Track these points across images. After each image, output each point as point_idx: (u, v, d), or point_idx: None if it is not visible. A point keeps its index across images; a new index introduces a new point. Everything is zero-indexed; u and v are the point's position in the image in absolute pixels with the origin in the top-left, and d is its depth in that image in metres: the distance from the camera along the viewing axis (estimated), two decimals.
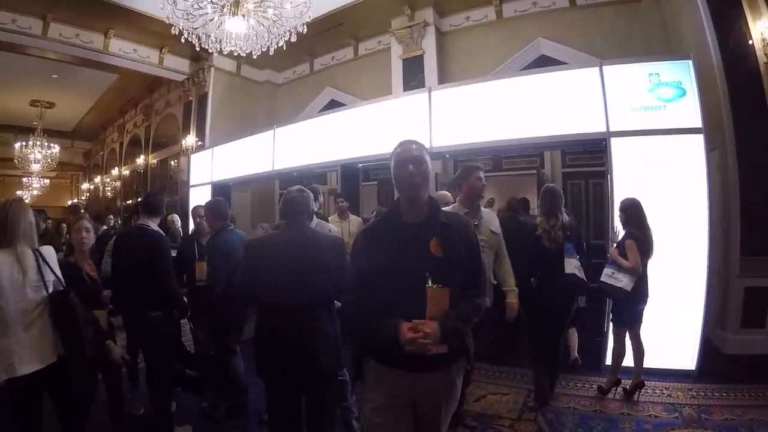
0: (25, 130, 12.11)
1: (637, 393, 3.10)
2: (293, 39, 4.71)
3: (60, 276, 2.03)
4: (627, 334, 3.17)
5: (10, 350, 1.81)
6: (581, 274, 2.95)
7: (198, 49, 5.03)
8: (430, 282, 1.37)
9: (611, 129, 3.70)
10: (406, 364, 1.39)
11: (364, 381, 1.54)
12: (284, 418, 1.97)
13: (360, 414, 2.40)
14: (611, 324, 3.33)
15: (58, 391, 2.02)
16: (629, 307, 3.09)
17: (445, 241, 1.43)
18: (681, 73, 3.59)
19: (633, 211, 3.15)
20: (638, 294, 3.04)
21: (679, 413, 2.91)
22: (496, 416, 2.97)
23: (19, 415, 1.93)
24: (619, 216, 3.27)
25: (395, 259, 1.40)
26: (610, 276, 3.08)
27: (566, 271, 2.89)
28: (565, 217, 3.06)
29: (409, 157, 1.48)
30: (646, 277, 3.10)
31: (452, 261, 1.42)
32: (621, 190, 3.63)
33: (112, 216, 7.40)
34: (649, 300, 3.15)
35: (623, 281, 2.99)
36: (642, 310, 3.14)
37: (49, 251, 2.03)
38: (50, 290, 1.96)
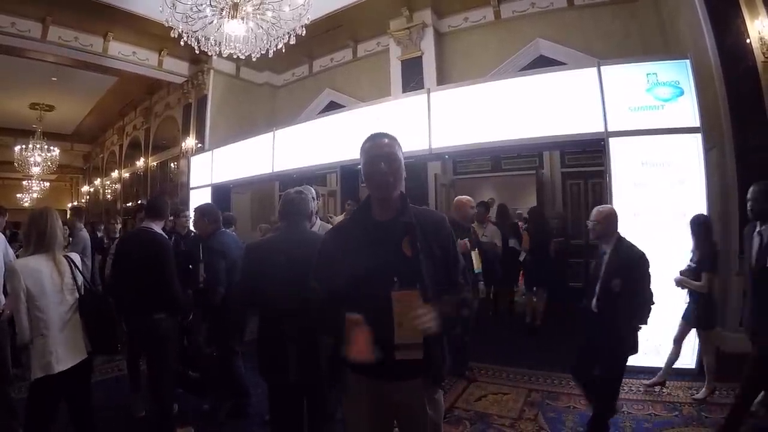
0: (24, 133, 12.12)
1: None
2: (292, 41, 4.72)
3: (87, 280, 2.20)
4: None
5: (47, 349, 1.93)
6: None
7: (197, 51, 5.04)
8: (397, 286, 1.23)
9: (610, 129, 3.71)
10: (378, 373, 1.29)
11: (341, 389, 1.45)
12: (287, 419, 1.98)
13: None
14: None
15: (82, 389, 2.12)
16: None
17: (413, 240, 1.32)
18: (678, 72, 3.61)
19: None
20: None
21: (679, 411, 2.93)
22: (496, 415, 2.98)
23: (34, 416, 1.99)
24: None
25: (365, 261, 1.29)
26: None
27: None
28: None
29: (381, 154, 1.36)
30: None
31: (423, 260, 1.30)
32: (620, 190, 3.66)
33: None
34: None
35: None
36: None
37: (75, 257, 2.18)
38: (81, 292, 2.11)
